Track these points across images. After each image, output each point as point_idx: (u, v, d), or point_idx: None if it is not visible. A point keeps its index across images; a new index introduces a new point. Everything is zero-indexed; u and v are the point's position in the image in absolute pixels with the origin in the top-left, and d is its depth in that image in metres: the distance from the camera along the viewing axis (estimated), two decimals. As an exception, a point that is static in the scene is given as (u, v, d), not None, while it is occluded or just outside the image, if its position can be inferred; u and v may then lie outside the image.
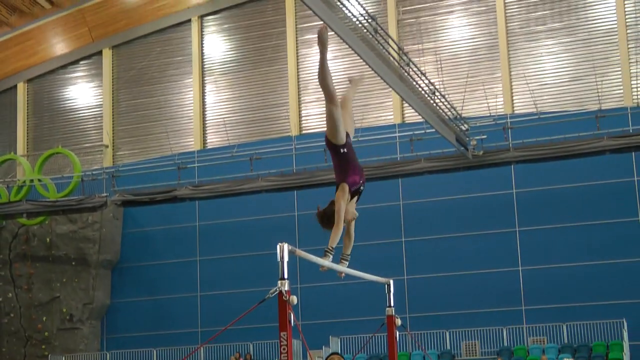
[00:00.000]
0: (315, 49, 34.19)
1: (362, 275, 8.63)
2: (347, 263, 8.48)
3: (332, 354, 8.93)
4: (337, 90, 8.45)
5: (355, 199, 8.49)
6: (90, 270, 35.46)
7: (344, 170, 8.40)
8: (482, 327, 30.23)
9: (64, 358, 34.79)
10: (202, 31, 36.50)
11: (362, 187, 8.49)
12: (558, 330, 29.55)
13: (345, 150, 8.43)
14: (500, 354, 29.24)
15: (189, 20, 36.46)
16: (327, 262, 7.94)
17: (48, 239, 36.08)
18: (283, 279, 6.52)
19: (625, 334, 28.19)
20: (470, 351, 30.50)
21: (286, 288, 6.49)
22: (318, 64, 8.30)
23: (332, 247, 8.02)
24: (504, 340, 30.07)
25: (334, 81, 8.44)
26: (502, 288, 30.63)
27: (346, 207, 8.20)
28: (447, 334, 30.55)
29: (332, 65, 34.06)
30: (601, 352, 28.07)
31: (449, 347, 30.48)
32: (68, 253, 35.74)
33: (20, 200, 34.23)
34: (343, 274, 8.38)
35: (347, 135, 8.49)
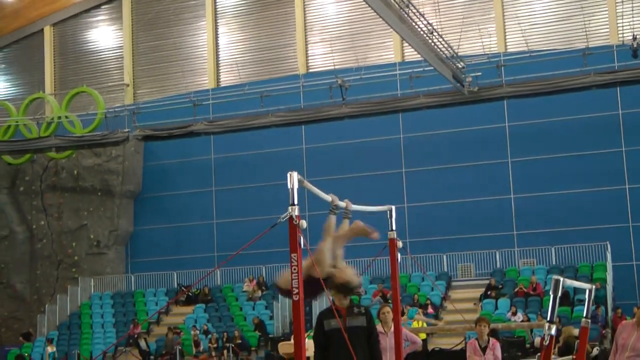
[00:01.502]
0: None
1: (366, 208, 8.58)
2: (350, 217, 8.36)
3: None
4: None
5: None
6: (114, 200, 35.55)
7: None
8: (477, 251, 30.31)
9: (92, 280, 35.07)
10: (215, -24, 36.07)
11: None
12: (547, 252, 29.62)
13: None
14: (493, 275, 29.35)
15: (203, -34, 36.05)
16: (331, 197, 7.84)
17: (75, 171, 36.13)
18: (293, 204, 6.46)
19: (609, 256, 28.27)
20: (465, 273, 30.61)
21: (296, 213, 6.43)
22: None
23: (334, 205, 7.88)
24: (496, 263, 30.17)
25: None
26: (495, 214, 30.65)
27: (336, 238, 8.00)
28: (444, 257, 30.64)
29: (336, 7, 33.81)
30: (586, 272, 28.14)
31: (446, 269, 30.60)
32: (94, 184, 35.81)
33: (49, 136, 34.20)
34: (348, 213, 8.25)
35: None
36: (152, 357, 29.73)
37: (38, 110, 36.89)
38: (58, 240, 36.14)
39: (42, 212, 36.51)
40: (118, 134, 33.25)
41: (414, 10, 23.84)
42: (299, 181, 6.62)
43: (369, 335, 8.30)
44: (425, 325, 23.80)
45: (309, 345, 10.19)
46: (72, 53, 38.40)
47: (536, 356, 16.36)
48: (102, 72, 37.78)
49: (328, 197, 7.71)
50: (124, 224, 35.63)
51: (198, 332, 29.61)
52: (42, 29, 38.46)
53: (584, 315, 8.91)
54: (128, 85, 36.77)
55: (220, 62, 35.76)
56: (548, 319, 7.17)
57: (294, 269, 6.42)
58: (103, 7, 37.79)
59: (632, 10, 29.36)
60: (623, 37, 29.46)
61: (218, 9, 35.96)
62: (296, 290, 6.42)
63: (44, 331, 33.23)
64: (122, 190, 35.44)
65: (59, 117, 34.74)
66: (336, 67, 32.38)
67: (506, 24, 31.82)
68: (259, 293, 31.88)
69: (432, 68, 26.79)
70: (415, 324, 23.46)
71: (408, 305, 26.86)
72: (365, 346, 8.25)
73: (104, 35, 37.84)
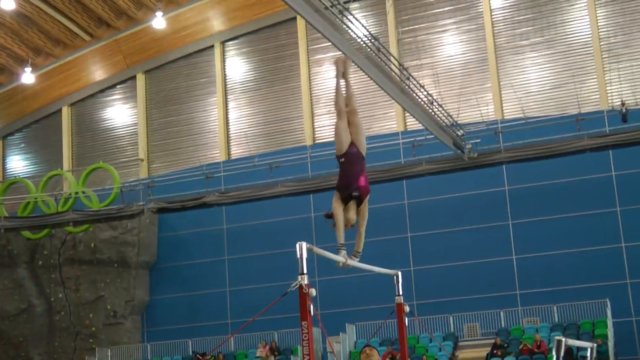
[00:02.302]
0: (325, 67, 34.35)
1: (373, 268, 8.59)
2: (358, 259, 8.41)
3: (365, 346, 8.86)
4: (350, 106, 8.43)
5: (352, 203, 8.34)
6: (130, 271, 35.50)
7: (339, 177, 8.36)
8: (482, 311, 30.12)
9: (109, 350, 34.82)
10: (224, 55, 36.54)
11: (354, 193, 8.30)
12: (549, 311, 29.43)
13: (343, 159, 8.38)
14: (499, 334, 29.13)
15: (212, 46, 36.52)
16: (341, 258, 7.91)
17: (92, 244, 36.14)
18: (303, 273, 6.50)
19: (609, 312, 28.08)
20: (471, 333, 30.38)
21: (305, 282, 6.47)
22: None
23: (340, 243, 7.99)
24: (501, 322, 29.96)
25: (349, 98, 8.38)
26: (498, 275, 30.53)
27: (344, 210, 8.15)
28: (451, 318, 30.44)
29: (341, 81, 34.09)
30: (588, 329, 27.93)
31: (452, 330, 30.38)
32: (110, 256, 35.79)
33: (67, 211, 34.32)
34: (348, 266, 8.30)
35: (352, 145, 8.41)
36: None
37: (56, 186, 37.11)
38: (76, 312, 35.99)
39: (60, 285, 36.42)
40: (133, 207, 33.37)
41: (415, 82, 24.08)
42: (309, 249, 6.66)
43: None
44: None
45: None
46: (88, 131, 38.74)
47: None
48: (117, 148, 38.06)
49: (333, 256, 7.77)
50: (140, 294, 35.53)
51: (214, 397, 29.33)
52: (60, 109, 38.88)
53: (587, 372, 8.88)
54: (142, 160, 37.01)
55: (230, 135, 36.03)
56: (552, 377, 7.16)
57: (305, 336, 6.43)
58: (118, 86, 38.25)
59: (619, 78, 29.64)
60: (612, 102, 29.69)
61: (228, 85, 36.37)
62: (307, 357, 6.42)
63: (64, 401, 32.92)
64: (138, 261, 35.42)
65: (77, 193, 34.91)
66: (341, 137, 32.51)
67: (502, 92, 32.09)
68: (272, 358, 31.63)
69: (433, 136, 26.95)
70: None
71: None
72: None
73: (119, 113, 38.23)
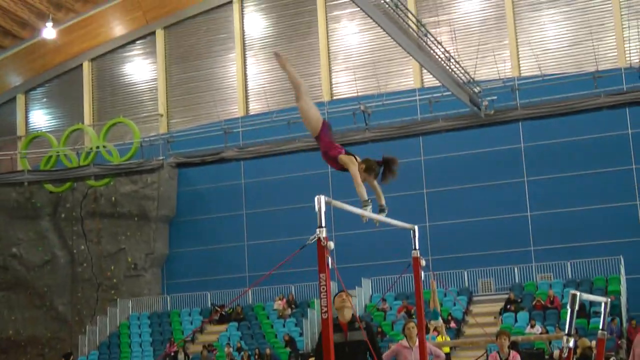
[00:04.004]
0: (343, 24, 34.15)
1: (391, 221, 8.54)
2: (385, 212, 8.38)
3: (341, 291, 8.89)
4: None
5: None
6: (150, 224, 35.71)
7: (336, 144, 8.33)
8: (496, 267, 30.15)
9: (130, 301, 35.15)
10: (242, 11, 36.33)
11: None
12: (563, 267, 29.42)
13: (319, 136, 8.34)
14: (512, 289, 29.18)
15: (231, 1, 36.28)
16: (366, 212, 7.87)
17: (113, 198, 36.33)
18: (321, 226, 6.46)
19: (622, 269, 28.05)
20: (485, 288, 30.45)
21: (324, 235, 6.44)
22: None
23: (365, 200, 7.95)
24: (515, 278, 29.99)
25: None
26: (513, 231, 30.51)
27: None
28: (465, 273, 30.49)
29: (358, 38, 33.90)
30: (601, 285, 27.93)
31: (467, 285, 30.44)
32: (131, 210, 35.98)
33: (88, 165, 34.50)
34: (377, 222, 8.28)
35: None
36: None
37: (78, 140, 37.22)
38: (97, 264, 36.31)
39: (82, 237, 36.70)
40: (153, 161, 33.49)
41: (432, 39, 23.90)
42: (327, 202, 6.63)
43: (371, 348, 8.13)
44: (448, 339, 23.65)
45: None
46: (109, 86, 38.75)
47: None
48: (137, 104, 38.08)
49: (359, 210, 7.73)
50: (159, 247, 35.76)
51: (231, 349, 29.59)
52: (81, 64, 38.86)
53: (600, 327, 8.85)
54: (162, 115, 37.02)
55: (249, 91, 35.95)
56: (566, 332, 7.14)
57: (323, 288, 6.42)
58: (138, 42, 38.15)
59: (639, 35, 29.27)
60: (630, 60, 29.36)
61: (246, 42, 36.20)
62: (325, 309, 6.43)
63: (85, 351, 33.32)
64: (157, 215, 35.59)
65: (97, 147, 35.03)
66: (359, 94, 32.45)
67: (520, 49, 31.80)
68: (289, 311, 31.84)
69: (450, 93, 26.81)
70: (439, 339, 23.29)
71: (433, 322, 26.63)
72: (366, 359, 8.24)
73: (139, 69, 38.17)
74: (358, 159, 8.20)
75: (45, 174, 35.01)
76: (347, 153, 8.18)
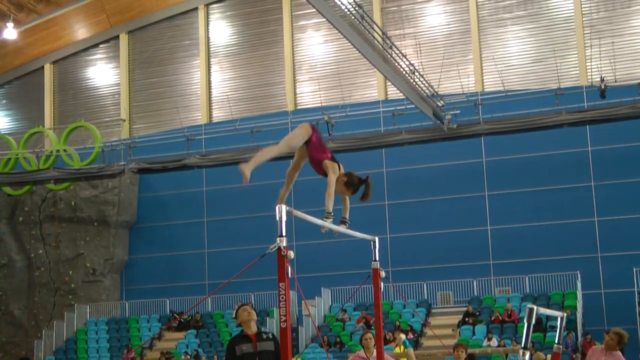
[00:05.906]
0: (309, 34, 34.27)
1: (352, 233, 8.60)
2: (347, 226, 8.44)
3: (243, 304, 9.10)
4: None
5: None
6: (110, 229, 35.47)
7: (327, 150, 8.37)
8: (455, 279, 30.35)
9: (88, 307, 34.86)
10: (207, 18, 36.29)
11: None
12: (521, 281, 29.69)
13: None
14: (471, 302, 29.38)
15: (196, 8, 36.24)
16: (326, 223, 7.92)
17: (73, 202, 36.04)
18: (282, 236, 6.49)
19: (579, 284, 28.40)
20: (444, 300, 30.62)
21: (284, 244, 6.47)
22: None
23: (329, 212, 7.99)
24: (474, 291, 30.21)
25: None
26: (473, 245, 30.73)
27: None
28: (425, 285, 30.65)
29: (323, 48, 34.02)
30: (558, 300, 28.24)
31: (426, 297, 30.60)
32: (91, 215, 35.73)
33: (48, 168, 34.18)
34: (336, 233, 8.34)
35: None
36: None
37: (38, 143, 36.86)
38: (55, 269, 35.96)
39: (41, 242, 36.35)
40: (114, 166, 33.27)
41: (397, 51, 24.06)
42: (288, 212, 6.66)
43: (276, 358, 8.25)
44: (407, 350, 23.70)
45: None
46: (71, 89, 38.45)
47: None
48: (99, 108, 37.82)
49: (319, 221, 7.76)
50: (119, 252, 35.53)
51: (189, 357, 29.45)
52: (43, 67, 38.51)
53: (556, 341, 8.99)
54: (124, 120, 36.82)
55: (212, 98, 35.89)
56: (522, 345, 7.24)
57: (282, 297, 6.46)
58: (101, 45, 37.92)
59: (600, 54, 29.72)
60: (592, 78, 29.79)
61: (211, 49, 36.16)
62: (284, 318, 6.46)
63: (41, 356, 32.96)
64: (117, 221, 35.37)
65: (58, 151, 34.73)
66: (323, 104, 32.53)
67: (483, 65, 32.12)
68: (248, 319, 31.70)
69: (413, 106, 26.99)
70: (397, 350, 23.40)
71: (401, 332, 26.70)
72: None
73: (102, 73, 37.93)
74: (342, 169, 8.21)
75: (4, 177, 34.64)
76: (333, 159, 8.14)
